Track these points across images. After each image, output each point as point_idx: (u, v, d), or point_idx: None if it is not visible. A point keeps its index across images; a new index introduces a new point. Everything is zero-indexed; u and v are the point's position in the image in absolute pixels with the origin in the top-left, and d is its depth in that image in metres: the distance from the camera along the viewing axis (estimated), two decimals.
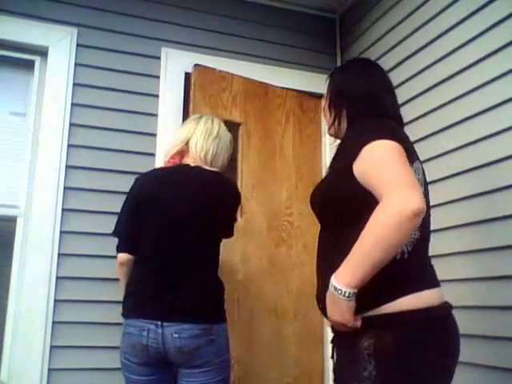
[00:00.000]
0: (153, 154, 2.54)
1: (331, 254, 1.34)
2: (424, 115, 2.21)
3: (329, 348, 2.65)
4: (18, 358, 2.22)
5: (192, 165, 1.90)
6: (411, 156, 1.32)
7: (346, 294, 1.19)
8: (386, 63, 2.54)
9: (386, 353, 1.20)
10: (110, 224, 2.41)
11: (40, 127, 2.42)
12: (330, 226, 1.39)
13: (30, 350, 2.22)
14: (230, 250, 2.52)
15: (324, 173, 2.88)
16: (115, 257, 2.39)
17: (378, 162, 1.24)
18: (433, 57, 2.20)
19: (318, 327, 2.68)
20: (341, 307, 1.20)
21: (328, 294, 1.24)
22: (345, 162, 1.32)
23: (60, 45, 2.49)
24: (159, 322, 1.68)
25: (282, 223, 2.71)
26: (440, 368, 1.23)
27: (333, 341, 1.41)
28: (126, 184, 2.46)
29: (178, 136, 1.98)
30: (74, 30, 2.52)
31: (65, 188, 2.39)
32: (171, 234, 1.78)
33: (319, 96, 2.95)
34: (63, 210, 2.37)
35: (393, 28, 2.51)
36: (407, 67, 2.36)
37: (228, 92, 2.66)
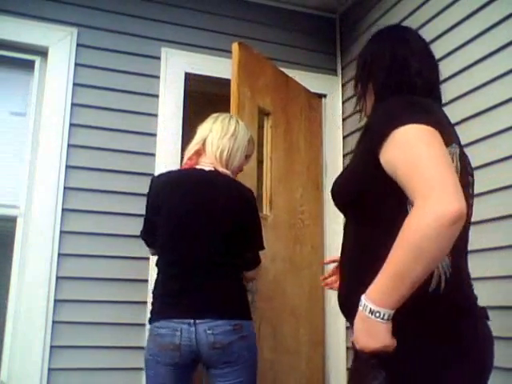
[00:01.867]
0: (153, 154, 2.54)
1: (355, 252, 1.21)
2: None
3: (329, 348, 2.67)
4: (18, 358, 2.22)
5: (207, 169, 1.88)
6: (447, 139, 1.10)
7: (386, 317, 1.02)
8: None
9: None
10: (109, 224, 2.43)
11: (40, 127, 2.42)
12: (354, 220, 1.23)
13: (30, 350, 2.22)
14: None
15: (324, 173, 2.89)
16: (115, 257, 2.41)
17: (410, 154, 1.05)
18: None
19: (319, 327, 2.68)
20: (379, 332, 1.03)
21: (360, 319, 1.06)
22: (369, 147, 1.13)
23: (60, 45, 2.49)
24: (192, 321, 1.71)
25: (297, 221, 2.64)
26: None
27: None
28: (126, 184, 2.48)
29: (196, 136, 1.96)
30: (74, 30, 2.52)
31: (65, 188, 2.39)
32: (188, 239, 1.80)
33: (319, 96, 2.95)
34: (63, 209, 2.37)
35: None
36: None
37: (263, 77, 2.50)
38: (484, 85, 1.92)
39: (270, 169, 2.54)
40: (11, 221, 2.38)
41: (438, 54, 2.17)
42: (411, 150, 1.05)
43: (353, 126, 2.82)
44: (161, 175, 1.96)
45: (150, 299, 2.38)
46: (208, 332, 1.70)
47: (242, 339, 1.74)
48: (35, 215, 2.33)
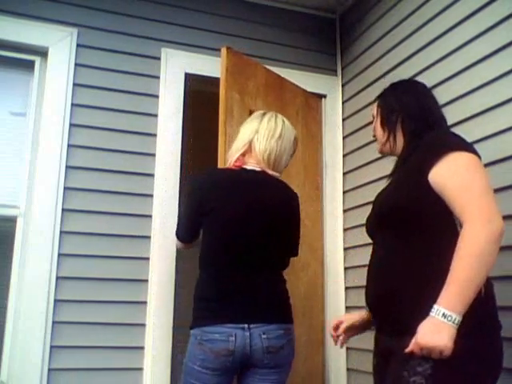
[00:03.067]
0: (153, 154, 2.54)
1: (396, 261, 1.38)
2: None
3: (328, 348, 2.66)
4: (18, 358, 2.22)
5: (257, 169, 1.87)
6: None
7: (456, 321, 1.20)
8: (386, 63, 2.54)
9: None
10: (109, 224, 2.43)
11: (40, 127, 2.42)
12: (397, 234, 1.40)
13: (29, 350, 2.22)
14: None
15: (324, 174, 2.89)
16: (115, 257, 2.41)
17: (463, 178, 1.28)
18: (433, 57, 2.20)
19: (319, 327, 2.68)
20: (446, 334, 1.20)
21: (432, 323, 1.22)
22: (420, 167, 1.34)
23: (60, 45, 2.49)
24: (246, 325, 1.71)
25: None
26: None
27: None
28: (126, 184, 2.48)
29: (242, 137, 1.93)
30: (74, 30, 2.52)
31: (65, 188, 2.39)
32: (241, 244, 1.78)
33: (319, 96, 2.95)
34: (63, 209, 2.37)
35: (393, 28, 2.51)
36: (407, 67, 2.36)
37: (253, 80, 2.52)
38: (484, 85, 1.92)
39: None
40: (11, 221, 2.38)
41: (438, 54, 2.19)
42: (464, 175, 1.28)
43: (353, 127, 2.82)
44: (208, 175, 1.90)
45: (150, 299, 2.40)
46: (263, 337, 1.72)
47: (290, 342, 1.81)
48: (35, 215, 2.33)
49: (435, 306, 1.22)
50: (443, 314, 1.20)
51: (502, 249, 1.78)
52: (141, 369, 2.36)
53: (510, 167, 1.79)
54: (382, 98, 1.64)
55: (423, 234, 1.35)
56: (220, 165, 2.19)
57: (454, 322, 1.20)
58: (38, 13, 2.48)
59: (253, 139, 1.89)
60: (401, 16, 2.44)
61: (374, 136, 1.65)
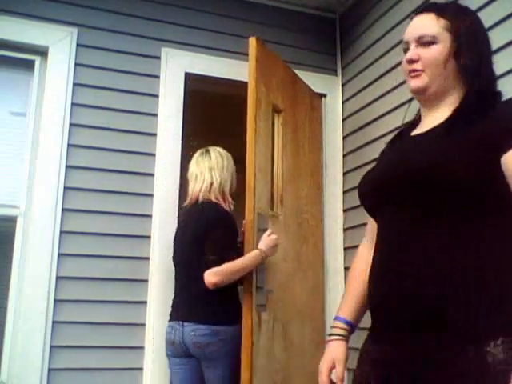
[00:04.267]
0: (153, 154, 2.54)
1: (446, 250, 1.08)
2: None
3: None
4: (18, 358, 2.22)
5: (200, 201, 2.22)
6: None
7: None
8: (386, 63, 2.54)
9: None
10: (109, 224, 2.43)
11: (40, 127, 2.42)
12: (442, 215, 1.09)
13: (29, 350, 2.22)
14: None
15: (324, 174, 2.88)
16: (115, 257, 2.41)
17: None
18: None
19: (320, 326, 2.67)
20: None
21: None
22: (493, 141, 1.06)
23: (60, 45, 2.49)
24: (181, 322, 2.08)
25: (303, 220, 2.64)
26: None
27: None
28: (126, 184, 2.48)
29: (188, 176, 2.31)
30: (74, 30, 2.52)
31: (65, 188, 2.39)
32: (174, 260, 2.28)
33: (319, 96, 2.95)
34: (63, 209, 2.37)
35: (393, 28, 2.51)
36: None
37: (276, 75, 2.52)
38: None
39: (281, 167, 2.52)
40: (11, 221, 2.38)
41: None
42: None
43: (353, 126, 2.82)
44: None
45: (150, 299, 2.40)
46: (191, 333, 2.05)
47: (218, 342, 2.03)
48: (35, 215, 2.33)
49: None
50: None
51: None
52: (141, 369, 2.36)
53: None
54: (463, 19, 1.22)
55: (491, 218, 1.08)
56: (249, 165, 2.24)
57: None
58: (38, 12, 2.48)
59: (192, 175, 2.28)
60: (401, 16, 2.44)
61: (416, 61, 1.21)
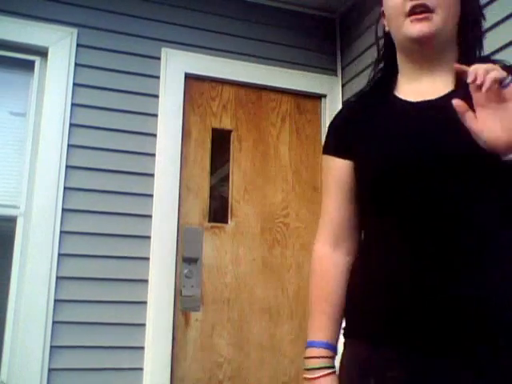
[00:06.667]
0: (153, 154, 2.54)
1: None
2: None
3: None
4: (18, 357, 2.22)
5: None
6: None
7: None
8: None
9: None
10: (109, 224, 2.43)
11: (40, 127, 2.42)
12: (492, 194, 0.94)
13: (30, 350, 2.22)
14: (220, 253, 2.58)
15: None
16: (115, 257, 2.41)
17: None
18: None
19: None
20: None
21: None
22: None
23: (60, 45, 2.49)
24: None
25: (277, 225, 2.72)
26: None
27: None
28: (126, 184, 2.48)
29: None
30: (74, 30, 2.52)
31: (65, 188, 2.39)
32: None
33: (319, 96, 2.95)
34: (63, 209, 2.37)
35: None
36: None
37: (218, 100, 2.74)
38: None
39: (232, 180, 2.70)
40: (11, 221, 2.38)
41: None
42: None
43: None
44: None
45: (150, 299, 2.40)
46: None
47: None
48: (35, 215, 2.32)
49: None
50: None
51: None
52: (141, 369, 2.36)
53: None
54: None
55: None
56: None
57: None
58: (38, 13, 2.48)
59: None
60: None
61: (427, 1, 0.98)
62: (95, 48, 2.55)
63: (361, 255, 1.10)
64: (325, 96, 2.95)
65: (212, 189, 2.67)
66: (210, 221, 2.62)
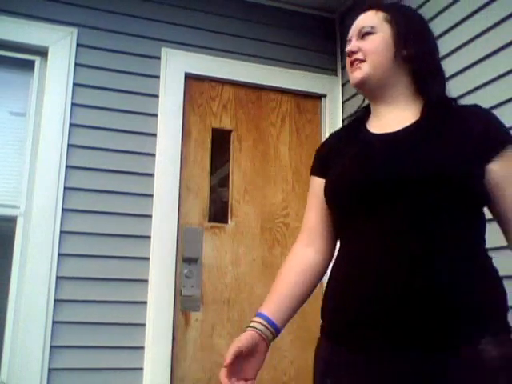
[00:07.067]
0: (153, 154, 2.54)
1: (442, 247, 1.05)
2: None
3: None
4: (18, 357, 2.22)
5: None
6: None
7: None
8: None
9: None
10: (109, 224, 2.43)
11: (40, 127, 2.42)
12: (439, 210, 1.07)
13: (30, 350, 2.22)
14: (220, 253, 2.58)
15: None
16: (115, 257, 2.41)
17: None
18: None
19: (314, 326, 2.66)
20: None
21: None
22: (481, 148, 1.09)
23: (60, 45, 2.49)
24: None
25: (277, 225, 2.72)
26: None
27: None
28: (126, 184, 2.48)
29: None
30: (74, 30, 2.52)
31: (65, 188, 2.39)
32: None
33: (319, 96, 2.95)
34: (63, 209, 2.37)
35: None
36: None
37: (218, 100, 2.75)
38: (484, 85, 1.92)
39: (231, 180, 2.70)
40: (11, 221, 2.38)
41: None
42: None
43: None
44: None
45: (150, 299, 2.40)
46: None
47: None
48: (35, 215, 2.33)
49: None
50: None
51: (502, 249, 1.79)
52: (141, 369, 2.36)
53: None
54: (402, 12, 1.25)
55: (472, 213, 1.11)
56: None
57: None
58: (38, 13, 2.48)
59: None
60: None
61: (357, 52, 1.23)
62: (95, 48, 2.55)
63: (335, 260, 1.26)
64: (325, 96, 2.95)
65: (211, 191, 2.68)
66: (210, 221, 2.63)
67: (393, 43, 1.19)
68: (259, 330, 1.18)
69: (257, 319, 1.20)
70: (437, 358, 0.99)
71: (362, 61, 1.21)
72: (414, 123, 1.15)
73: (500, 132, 1.13)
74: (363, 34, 1.23)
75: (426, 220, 1.06)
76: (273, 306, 1.23)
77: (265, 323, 1.19)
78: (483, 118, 1.14)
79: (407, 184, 1.07)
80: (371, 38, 1.22)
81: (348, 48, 1.24)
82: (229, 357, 1.10)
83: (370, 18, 1.26)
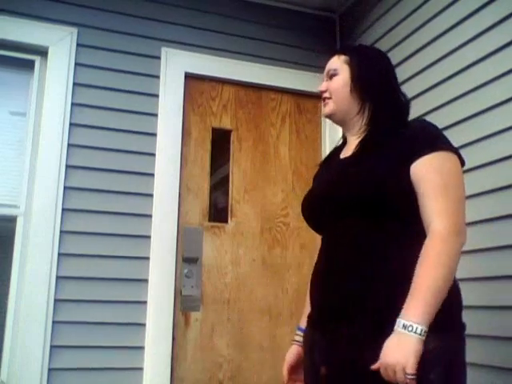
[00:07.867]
0: (153, 154, 2.54)
1: (366, 256, 1.27)
2: (424, 115, 2.21)
3: None
4: (18, 358, 2.22)
5: None
6: None
7: (422, 332, 1.11)
8: None
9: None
10: (109, 224, 2.43)
11: (40, 127, 2.42)
12: (365, 219, 1.29)
13: (29, 349, 2.22)
14: (220, 253, 2.58)
15: None
16: (115, 257, 2.41)
17: (443, 182, 1.22)
18: (433, 56, 2.20)
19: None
20: (409, 347, 1.10)
21: (394, 336, 1.13)
22: (406, 153, 1.26)
23: (60, 45, 2.49)
24: None
25: (277, 225, 2.73)
26: None
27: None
28: (126, 184, 2.48)
29: None
30: (74, 30, 2.52)
31: (65, 188, 2.39)
32: None
33: (319, 96, 2.95)
34: (63, 209, 2.37)
35: (393, 28, 2.51)
36: (407, 67, 2.36)
37: (218, 100, 2.75)
38: (484, 85, 1.92)
39: (232, 180, 2.71)
40: (11, 221, 2.38)
41: (437, 54, 2.19)
42: (445, 176, 1.23)
43: None
44: None
45: (150, 299, 2.40)
46: None
47: None
48: (35, 215, 2.32)
49: (397, 319, 1.14)
50: (403, 325, 1.11)
51: (502, 249, 1.79)
52: (141, 369, 2.36)
53: (500, 170, 1.79)
54: (361, 57, 1.46)
55: (397, 226, 1.27)
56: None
57: (419, 334, 1.10)
58: (38, 12, 2.48)
59: None
60: (400, 16, 2.44)
61: (325, 91, 1.48)
62: (95, 47, 2.55)
63: None
64: None
65: (211, 193, 2.67)
66: (209, 221, 2.63)
67: (350, 82, 1.42)
68: (300, 341, 1.51)
69: (297, 333, 1.54)
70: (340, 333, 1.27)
71: (329, 98, 1.47)
72: (353, 152, 1.39)
73: (427, 139, 1.27)
74: (330, 76, 1.47)
75: (358, 234, 1.29)
76: (302, 320, 1.54)
77: (300, 333, 1.53)
78: (417, 129, 1.32)
79: (338, 203, 1.33)
80: (335, 78, 1.46)
81: (319, 88, 1.51)
82: (285, 376, 1.54)
83: (334, 62, 1.48)
